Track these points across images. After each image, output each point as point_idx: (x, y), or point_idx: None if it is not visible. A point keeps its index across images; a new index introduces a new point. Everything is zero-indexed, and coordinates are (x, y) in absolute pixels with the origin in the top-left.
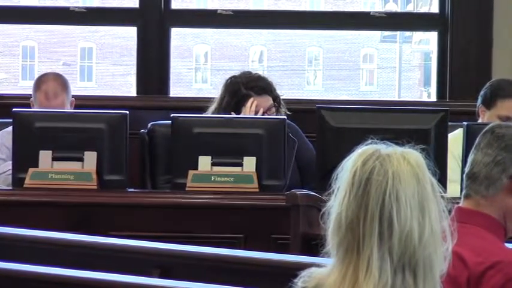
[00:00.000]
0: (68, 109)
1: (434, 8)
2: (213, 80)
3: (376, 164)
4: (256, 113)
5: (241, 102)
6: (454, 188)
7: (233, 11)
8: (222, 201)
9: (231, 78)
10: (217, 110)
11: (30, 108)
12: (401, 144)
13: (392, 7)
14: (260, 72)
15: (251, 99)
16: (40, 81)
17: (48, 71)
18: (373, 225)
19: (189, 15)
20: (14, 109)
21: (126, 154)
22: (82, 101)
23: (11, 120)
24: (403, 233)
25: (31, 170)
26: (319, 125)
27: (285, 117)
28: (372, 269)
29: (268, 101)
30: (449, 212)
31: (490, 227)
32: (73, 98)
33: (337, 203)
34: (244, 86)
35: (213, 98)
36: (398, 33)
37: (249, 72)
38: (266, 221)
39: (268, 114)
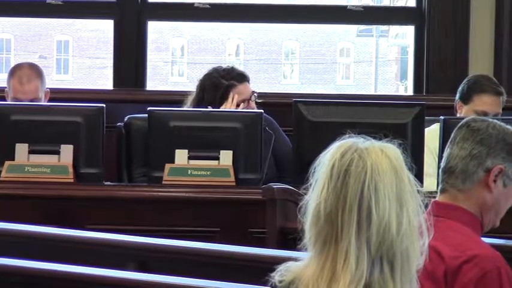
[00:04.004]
0: (42, 98)
1: (411, 2)
2: (189, 73)
3: (354, 156)
4: (237, 106)
5: (225, 94)
6: (430, 182)
7: (210, 4)
8: (199, 194)
9: (204, 76)
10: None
11: (6, 100)
12: (379, 139)
13: (369, 1)
14: (236, 66)
15: (231, 94)
16: (14, 69)
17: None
18: (351, 215)
19: (166, 9)
20: None
21: (102, 147)
22: (58, 94)
23: None
24: (381, 224)
25: (7, 163)
26: (295, 118)
27: (262, 111)
28: (349, 259)
29: (249, 88)
30: (426, 206)
31: (466, 221)
32: (48, 89)
33: (315, 195)
34: (224, 78)
35: (190, 91)
36: (374, 27)
37: (220, 66)
38: (242, 215)
39: (250, 106)
